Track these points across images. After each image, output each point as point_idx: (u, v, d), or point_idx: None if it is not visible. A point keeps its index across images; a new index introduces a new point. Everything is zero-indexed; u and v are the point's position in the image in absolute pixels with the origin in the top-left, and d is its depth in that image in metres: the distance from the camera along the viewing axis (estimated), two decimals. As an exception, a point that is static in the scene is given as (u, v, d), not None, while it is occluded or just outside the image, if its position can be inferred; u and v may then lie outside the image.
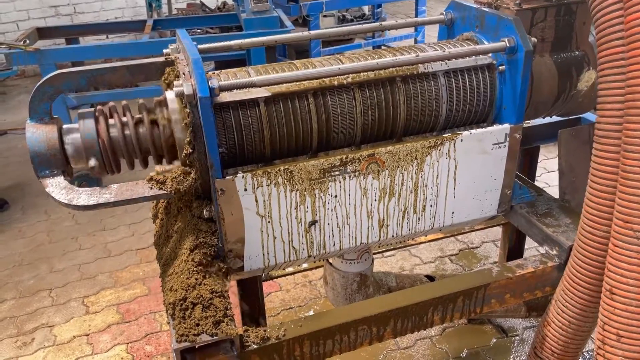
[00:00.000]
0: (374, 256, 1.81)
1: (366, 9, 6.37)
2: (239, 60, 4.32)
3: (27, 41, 4.21)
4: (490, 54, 1.47)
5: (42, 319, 3.22)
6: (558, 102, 1.59)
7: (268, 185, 1.30)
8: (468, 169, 1.48)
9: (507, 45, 1.39)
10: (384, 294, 1.74)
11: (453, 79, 1.46)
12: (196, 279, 1.25)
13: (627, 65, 1.14)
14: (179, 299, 1.21)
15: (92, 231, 4.04)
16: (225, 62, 4.64)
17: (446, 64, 1.44)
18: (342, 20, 6.24)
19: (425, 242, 2.95)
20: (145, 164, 1.34)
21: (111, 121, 1.29)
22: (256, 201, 1.31)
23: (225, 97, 1.28)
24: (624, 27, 1.13)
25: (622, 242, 1.18)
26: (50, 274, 3.63)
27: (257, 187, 1.29)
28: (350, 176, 1.37)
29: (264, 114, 1.31)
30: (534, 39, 1.41)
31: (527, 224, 1.57)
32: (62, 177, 1.26)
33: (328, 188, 1.36)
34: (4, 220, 4.41)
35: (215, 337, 1.15)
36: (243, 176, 1.27)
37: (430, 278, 1.87)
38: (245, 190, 1.28)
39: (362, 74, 1.38)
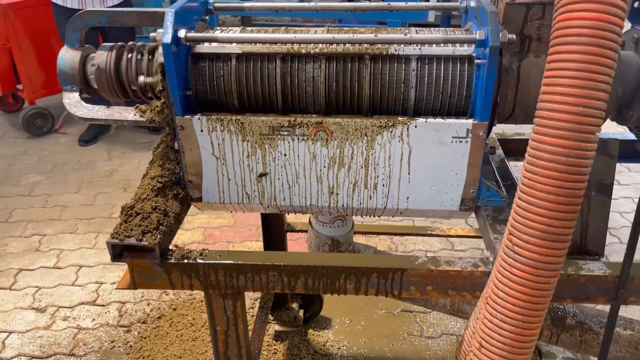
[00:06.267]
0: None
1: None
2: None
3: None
4: (473, 46, 1.43)
5: (148, 224, 3.82)
6: (554, 110, 1.47)
7: (222, 131, 1.48)
8: (424, 156, 1.48)
9: (478, 38, 1.35)
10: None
11: (427, 66, 1.46)
12: (147, 195, 1.51)
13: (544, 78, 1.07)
14: (127, 206, 1.48)
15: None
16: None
17: (419, 49, 1.44)
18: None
19: (463, 237, 2.85)
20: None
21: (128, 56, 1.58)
22: (211, 143, 1.50)
23: (202, 48, 1.48)
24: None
25: (503, 253, 1.14)
26: (170, 191, 4.26)
27: (212, 131, 1.48)
28: (299, 139, 1.48)
29: (234, 69, 1.49)
30: (511, 36, 1.34)
31: (483, 227, 1.52)
32: (78, 93, 1.60)
33: (277, 145, 1.49)
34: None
35: (138, 243, 1.40)
36: (199, 118, 1.47)
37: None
38: (202, 131, 1.49)
39: (331, 47, 1.46)
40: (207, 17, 1.65)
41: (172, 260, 1.45)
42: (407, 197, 1.55)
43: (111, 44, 1.59)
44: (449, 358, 2.61)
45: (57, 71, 1.58)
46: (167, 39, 1.37)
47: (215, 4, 1.68)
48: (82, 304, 3.04)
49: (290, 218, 2.50)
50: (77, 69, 1.58)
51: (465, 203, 1.54)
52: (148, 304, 3.03)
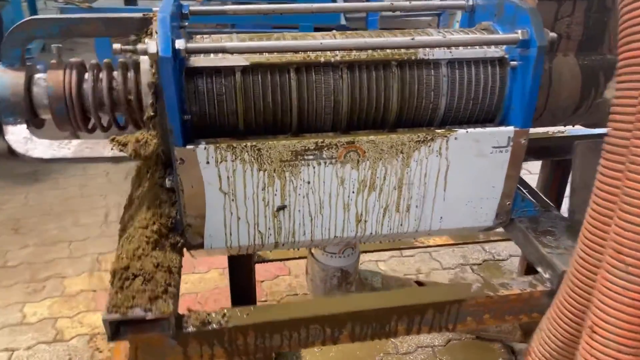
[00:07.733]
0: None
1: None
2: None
3: (84, -2, 4.30)
4: (503, 47, 1.31)
5: (57, 268, 3.30)
6: (580, 110, 1.41)
7: (233, 161, 1.21)
8: (462, 171, 1.33)
9: (520, 37, 1.23)
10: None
11: (457, 70, 1.31)
12: (144, 250, 1.18)
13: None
14: (121, 267, 1.15)
15: (123, 189, 4.13)
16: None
17: (450, 52, 1.29)
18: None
19: (446, 246, 2.80)
20: (117, 125, 1.29)
21: (86, 75, 1.24)
22: (219, 176, 1.22)
23: (198, 61, 1.20)
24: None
25: (611, 275, 1.02)
26: (74, 227, 3.72)
27: (221, 162, 1.21)
28: (326, 162, 1.26)
29: (240, 84, 1.22)
30: (552, 34, 1.24)
31: (524, 241, 1.41)
32: (25, 126, 1.22)
33: (300, 172, 1.26)
34: (44, 171, 4.55)
35: (147, 314, 1.09)
36: (205, 147, 1.19)
37: (420, 284, 1.74)
38: (208, 163, 1.20)
39: (353, 53, 1.26)
40: (187, 24, 1.35)
41: (190, 329, 1.15)
42: (441, 217, 1.39)
43: (69, 60, 1.24)
44: (431, 372, 2.51)
45: (-7, 99, 1.19)
46: (166, 51, 1.08)
47: (191, 8, 1.39)
48: (-7, 379, 2.49)
49: (257, 247, 2.22)
50: (21, 95, 1.20)
51: (499, 217, 1.43)
52: (80, 366, 2.56)
